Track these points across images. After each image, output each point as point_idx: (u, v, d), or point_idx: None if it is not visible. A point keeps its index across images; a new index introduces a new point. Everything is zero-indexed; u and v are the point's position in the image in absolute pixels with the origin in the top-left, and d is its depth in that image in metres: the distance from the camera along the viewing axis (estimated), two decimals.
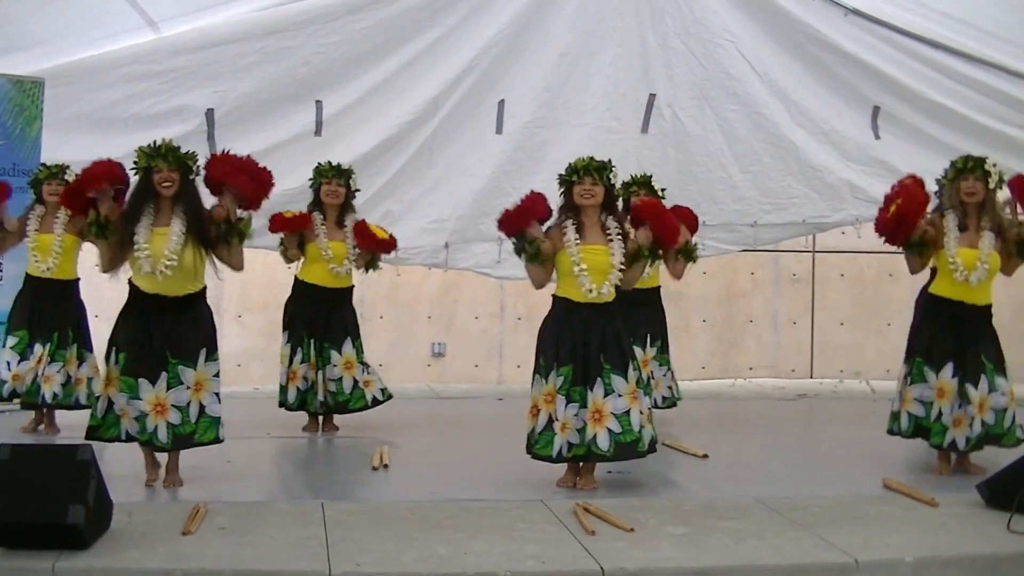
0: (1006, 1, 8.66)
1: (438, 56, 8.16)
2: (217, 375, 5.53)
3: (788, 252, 10.35)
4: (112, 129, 7.51)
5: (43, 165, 6.99)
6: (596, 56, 8.44)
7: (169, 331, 5.37)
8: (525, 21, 8.26)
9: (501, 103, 8.35)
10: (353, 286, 7.30)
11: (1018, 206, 5.97)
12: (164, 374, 5.34)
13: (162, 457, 5.53)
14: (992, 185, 5.95)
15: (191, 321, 5.45)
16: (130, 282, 5.45)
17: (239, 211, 5.49)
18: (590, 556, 4.35)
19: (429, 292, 10.05)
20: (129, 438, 5.44)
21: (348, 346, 7.11)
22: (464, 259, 8.57)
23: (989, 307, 6.05)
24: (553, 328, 5.58)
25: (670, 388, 7.59)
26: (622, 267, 5.54)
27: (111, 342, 5.46)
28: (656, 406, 7.31)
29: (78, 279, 6.96)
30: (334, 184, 7.07)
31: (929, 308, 6.16)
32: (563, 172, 5.70)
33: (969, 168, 5.97)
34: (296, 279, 7.21)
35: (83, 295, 7.00)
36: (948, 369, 5.89)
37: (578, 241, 5.51)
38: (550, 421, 5.49)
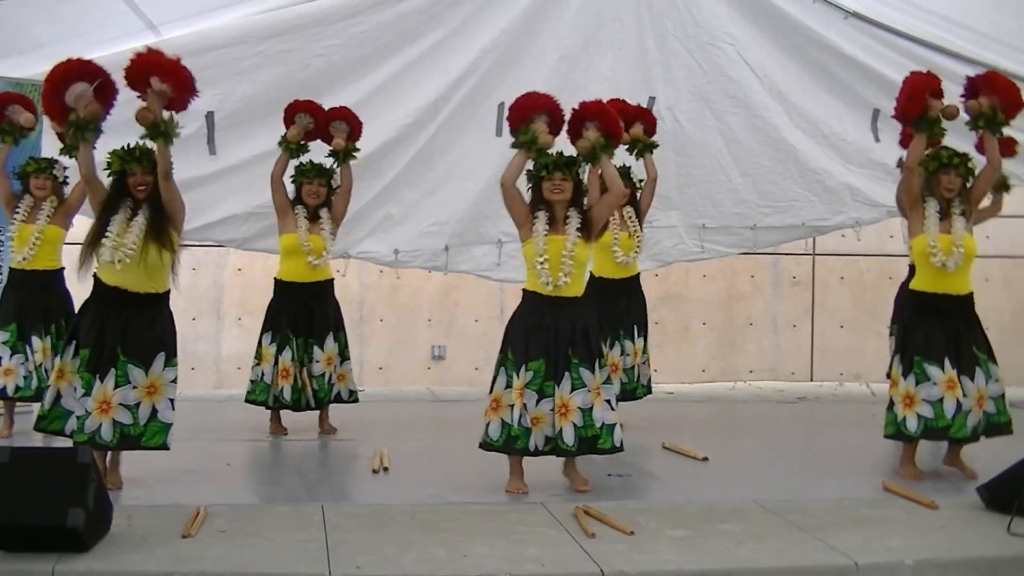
0: (1005, 4, 8.66)
1: (438, 59, 8.16)
2: (175, 381, 5.48)
3: (788, 255, 10.35)
4: (112, 132, 7.45)
5: (32, 158, 6.98)
6: (596, 59, 8.44)
7: (124, 327, 5.36)
8: (525, 24, 8.26)
9: (501, 106, 8.33)
10: (332, 279, 7.30)
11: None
12: (113, 371, 5.32)
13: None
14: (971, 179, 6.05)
15: (148, 320, 5.43)
16: (94, 275, 5.46)
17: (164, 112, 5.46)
18: (590, 559, 4.35)
19: (429, 295, 10.05)
20: (72, 435, 5.37)
21: (331, 341, 7.14)
22: (464, 262, 8.57)
23: (971, 296, 6.06)
24: (523, 322, 5.59)
25: (649, 378, 7.60)
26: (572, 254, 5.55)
27: (70, 335, 5.46)
28: (636, 396, 7.38)
29: (62, 268, 6.94)
30: (315, 184, 7.12)
31: (914, 305, 6.14)
32: (531, 169, 5.70)
33: (954, 164, 6.00)
34: (276, 280, 7.23)
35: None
36: (947, 363, 5.87)
37: (546, 232, 5.54)
38: (521, 415, 5.47)
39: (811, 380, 10.54)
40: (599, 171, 5.68)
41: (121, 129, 7.45)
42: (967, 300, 6.04)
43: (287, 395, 7.02)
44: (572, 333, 5.52)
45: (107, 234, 5.34)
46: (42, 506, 4.19)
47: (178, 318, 5.57)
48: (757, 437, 7.64)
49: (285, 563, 4.23)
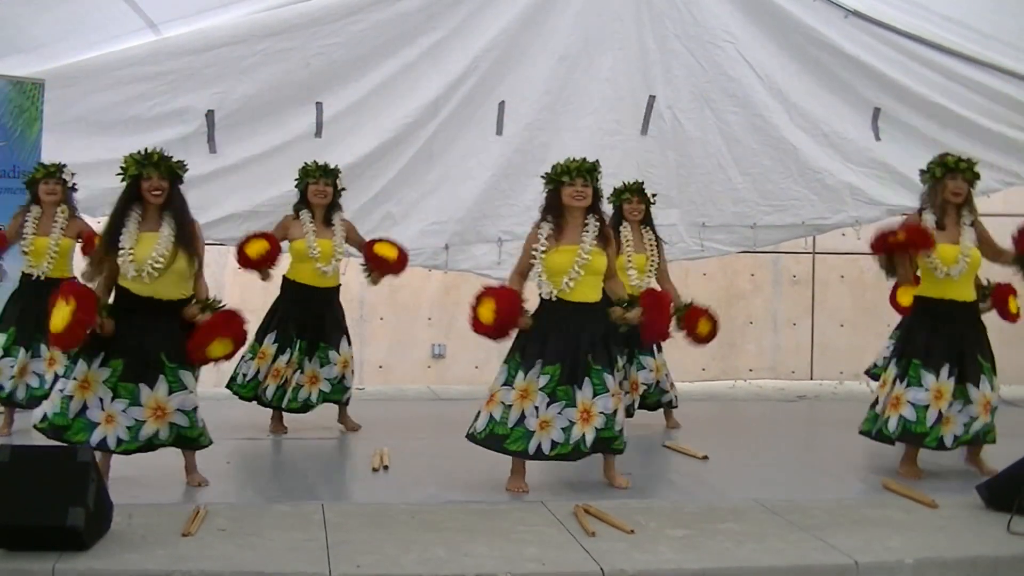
0: (1005, 4, 8.67)
1: (438, 58, 8.16)
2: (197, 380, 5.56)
3: (788, 254, 10.35)
4: (112, 131, 7.52)
5: (40, 164, 6.96)
6: (596, 58, 8.44)
7: (164, 335, 5.35)
8: (525, 23, 8.27)
9: (501, 105, 8.35)
10: (340, 284, 7.26)
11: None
12: (162, 377, 5.33)
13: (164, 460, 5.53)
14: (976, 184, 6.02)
15: (180, 325, 5.43)
16: (118, 286, 5.41)
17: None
18: (590, 558, 4.35)
19: (429, 294, 10.04)
20: (100, 446, 5.30)
21: (345, 345, 7.13)
22: (464, 261, 8.57)
23: (976, 303, 6.06)
24: (538, 327, 5.59)
25: (671, 386, 7.60)
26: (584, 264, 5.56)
27: (99, 346, 5.36)
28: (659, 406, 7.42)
29: (74, 277, 6.92)
30: (321, 184, 7.04)
31: (918, 310, 6.14)
32: (550, 172, 5.69)
33: (960, 169, 5.98)
34: (285, 279, 7.18)
35: None
36: (945, 370, 5.88)
37: (545, 247, 5.58)
38: (523, 417, 5.48)
39: (811, 379, 10.54)
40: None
41: (132, 127, 7.53)
42: (972, 308, 6.03)
43: (269, 394, 7.01)
44: (592, 340, 5.53)
45: (121, 245, 5.31)
46: (42, 505, 4.19)
47: None
48: (757, 436, 7.64)
49: (285, 562, 4.23)
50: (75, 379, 5.33)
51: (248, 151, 7.82)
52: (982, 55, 8.82)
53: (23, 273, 6.92)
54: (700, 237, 8.53)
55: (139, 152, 5.41)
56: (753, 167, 8.81)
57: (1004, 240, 6.13)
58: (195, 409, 5.44)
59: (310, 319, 7.04)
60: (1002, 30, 8.66)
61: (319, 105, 7.97)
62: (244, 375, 7.08)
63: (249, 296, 9.45)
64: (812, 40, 8.66)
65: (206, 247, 5.71)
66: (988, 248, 6.04)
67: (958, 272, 5.89)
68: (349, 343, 7.21)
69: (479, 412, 5.67)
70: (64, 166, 6.89)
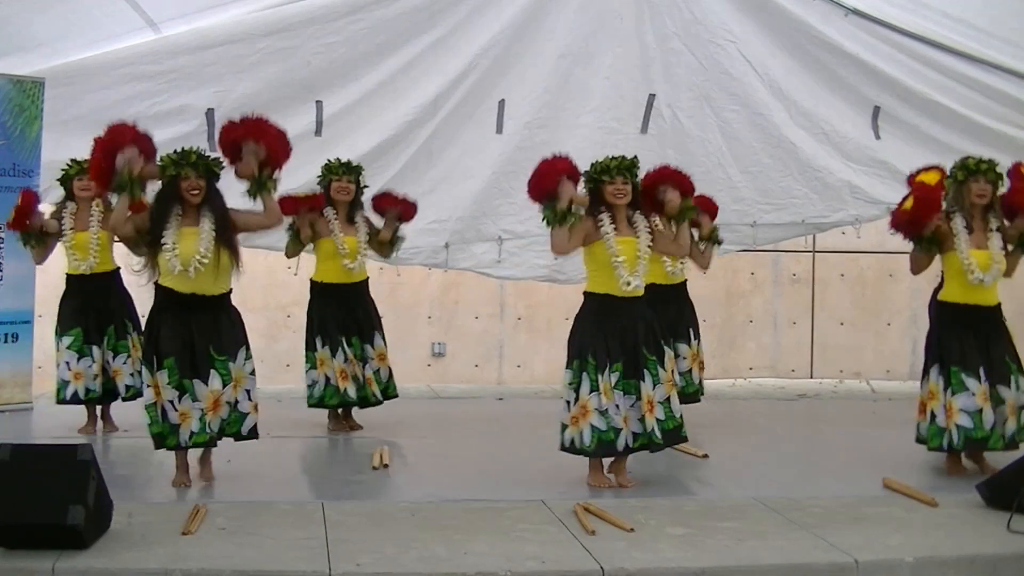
0: (1005, 1, 8.66)
1: (438, 56, 8.16)
2: (252, 373, 5.65)
3: (788, 252, 10.34)
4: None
5: (73, 160, 6.89)
6: (596, 57, 8.44)
7: (210, 329, 5.43)
8: (525, 22, 8.26)
9: (501, 103, 8.35)
10: (368, 278, 7.27)
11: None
12: (213, 371, 5.38)
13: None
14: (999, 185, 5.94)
15: (228, 318, 5.55)
16: (159, 285, 5.46)
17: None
18: (590, 556, 4.36)
19: (429, 292, 10.04)
20: (194, 442, 5.42)
21: (379, 339, 7.19)
22: (464, 259, 8.58)
23: (999, 306, 6.02)
24: (596, 325, 5.61)
25: (701, 380, 7.67)
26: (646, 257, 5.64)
27: (152, 350, 5.42)
28: (695, 399, 7.46)
29: (119, 268, 6.93)
30: (344, 180, 7.06)
31: (945, 316, 6.04)
32: (590, 170, 5.69)
33: (982, 171, 5.94)
34: (313, 282, 7.18)
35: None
36: (981, 372, 5.82)
37: (615, 234, 5.58)
38: (614, 417, 5.51)
39: (811, 377, 10.54)
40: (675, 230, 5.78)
41: (145, 124, 7.52)
42: (997, 311, 5.99)
43: (352, 394, 7.02)
44: (646, 331, 5.62)
45: (164, 243, 5.36)
46: (42, 504, 4.19)
47: None
48: (757, 434, 7.63)
49: (285, 561, 4.23)
50: (148, 387, 5.44)
51: None
52: (982, 53, 8.82)
53: (68, 274, 6.93)
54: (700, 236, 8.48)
55: (176, 151, 5.45)
56: (753, 165, 8.81)
57: None
58: (236, 403, 5.51)
59: (348, 317, 7.08)
60: (1002, 27, 8.66)
61: (319, 104, 7.97)
62: (312, 385, 7.11)
63: (249, 293, 9.46)
64: (812, 38, 8.66)
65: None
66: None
67: (991, 279, 5.84)
68: (383, 338, 7.24)
69: (574, 428, 5.60)
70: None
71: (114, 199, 5.65)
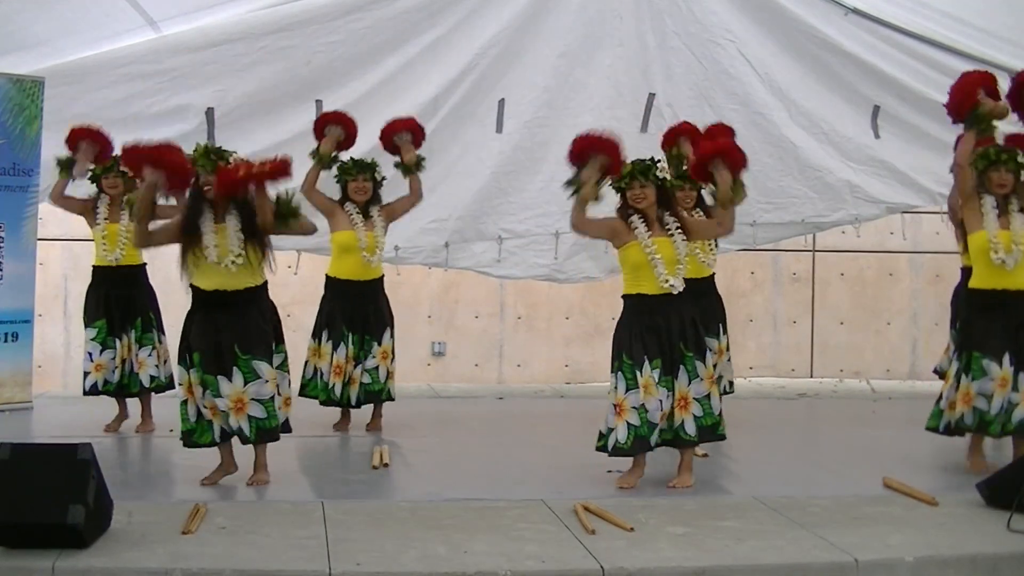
0: (1006, 1, 8.66)
1: (438, 55, 8.16)
2: (282, 365, 5.65)
3: (788, 251, 10.35)
4: (112, 129, 7.49)
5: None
6: (596, 56, 8.44)
7: (237, 325, 5.41)
8: (525, 21, 8.26)
9: (501, 102, 8.35)
10: (383, 275, 7.24)
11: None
12: (236, 369, 5.36)
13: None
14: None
15: (257, 312, 5.52)
16: (191, 285, 5.47)
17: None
18: (590, 555, 4.36)
19: (429, 291, 10.05)
20: (224, 436, 5.45)
21: (387, 337, 7.14)
22: (464, 258, 8.57)
23: None
24: (631, 326, 5.60)
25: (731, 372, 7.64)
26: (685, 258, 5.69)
27: (183, 347, 5.45)
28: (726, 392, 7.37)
29: (145, 263, 6.95)
30: (360, 180, 7.06)
31: (973, 302, 6.05)
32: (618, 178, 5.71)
33: (1002, 160, 5.95)
34: (329, 277, 7.16)
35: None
36: (1006, 359, 5.80)
37: (649, 234, 5.58)
38: (653, 413, 5.52)
39: (811, 377, 10.54)
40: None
41: (132, 124, 7.53)
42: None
43: (337, 392, 7.02)
44: (682, 327, 5.61)
45: (203, 239, 5.38)
46: (42, 503, 4.19)
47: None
48: (757, 434, 7.62)
49: (285, 560, 4.23)
50: (181, 384, 5.46)
51: (248, 149, 7.73)
52: (982, 52, 8.81)
53: (95, 266, 6.95)
54: None
55: (205, 145, 5.51)
56: (753, 165, 8.71)
57: None
58: (272, 399, 5.45)
59: (358, 313, 7.06)
60: (1002, 26, 8.66)
61: (319, 103, 7.96)
62: (310, 376, 7.12)
63: None
64: (812, 38, 8.66)
65: None
66: None
67: (1013, 261, 5.81)
68: (392, 335, 7.19)
69: (610, 426, 5.58)
70: (118, 158, 6.88)
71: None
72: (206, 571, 4.10)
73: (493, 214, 8.47)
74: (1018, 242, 5.83)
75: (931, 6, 8.61)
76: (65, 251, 9.30)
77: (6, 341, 7.66)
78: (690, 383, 5.58)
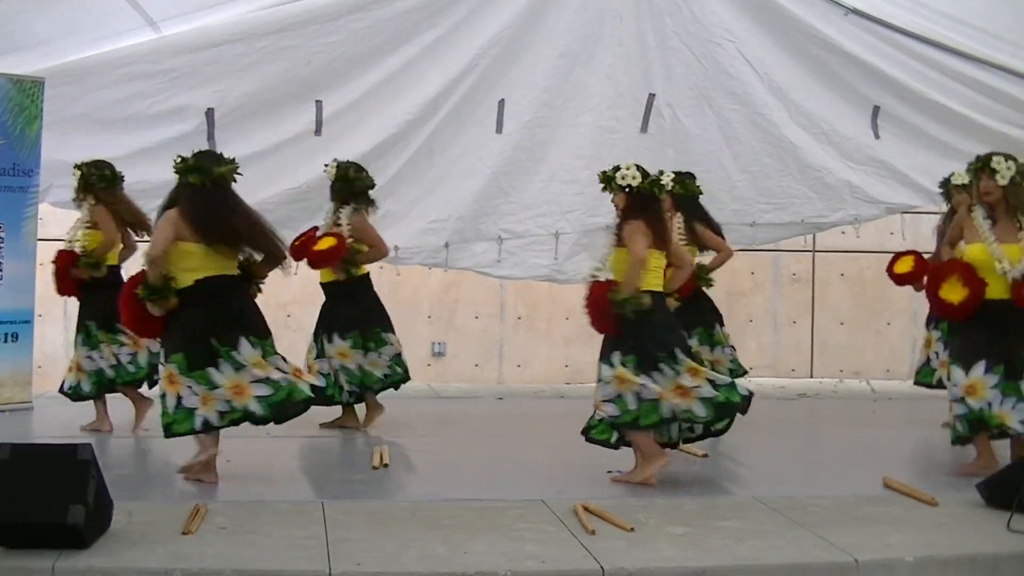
0: (1005, 1, 8.67)
1: (438, 56, 8.16)
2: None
3: (788, 252, 10.35)
4: (112, 128, 7.53)
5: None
6: (596, 56, 8.44)
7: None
8: (525, 21, 8.27)
9: (501, 103, 8.35)
10: (353, 278, 7.18)
11: None
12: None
13: None
14: (1004, 180, 5.78)
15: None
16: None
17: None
18: (590, 556, 4.35)
19: (429, 292, 10.05)
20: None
21: (338, 339, 7.12)
22: (464, 259, 8.57)
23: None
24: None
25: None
26: None
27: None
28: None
29: (118, 267, 6.93)
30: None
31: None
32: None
33: (980, 168, 5.93)
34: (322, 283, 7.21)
35: None
36: (980, 367, 5.75)
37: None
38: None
39: (811, 377, 10.55)
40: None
41: (132, 124, 7.54)
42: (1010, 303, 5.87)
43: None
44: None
45: None
46: (42, 503, 4.18)
47: None
48: (757, 434, 7.62)
49: (285, 560, 4.23)
50: (160, 378, 5.47)
51: (248, 149, 7.78)
52: (981, 52, 8.82)
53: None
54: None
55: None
56: (752, 165, 8.82)
57: None
58: (267, 380, 5.41)
59: (327, 314, 7.13)
60: (1002, 27, 8.67)
61: (319, 103, 7.97)
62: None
63: None
64: (812, 38, 8.66)
65: None
66: None
67: (1019, 274, 5.71)
68: (343, 339, 7.15)
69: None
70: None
71: None
72: (206, 571, 4.09)
73: (493, 214, 8.48)
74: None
75: (930, 6, 8.62)
76: None
77: (6, 341, 7.66)
78: (678, 376, 5.59)
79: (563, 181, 8.40)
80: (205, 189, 5.42)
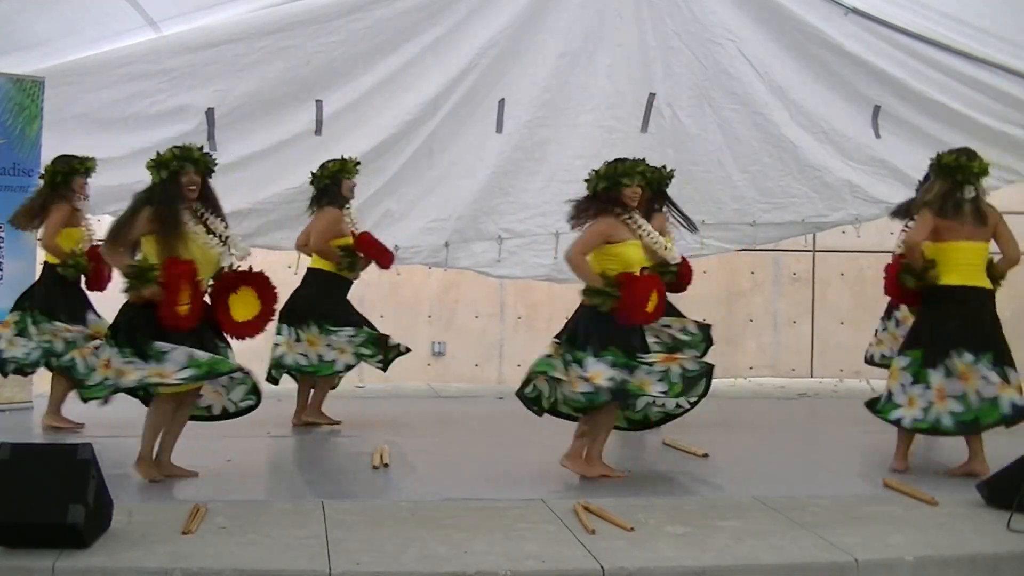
0: (1006, 1, 8.67)
1: (438, 55, 8.17)
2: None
3: (788, 251, 10.34)
4: (112, 128, 7.53)
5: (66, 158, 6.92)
6: (596, 56, 8.45)
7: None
8: (525, 21, 8.27)
9: (501, 102, 8.35)
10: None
11: None
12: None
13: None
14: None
15: None
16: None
17: None
18: (590, 555, 4.35)
19: (429, 291, 10.04)
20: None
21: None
22: (464, 258, 8.58)
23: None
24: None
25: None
26: None
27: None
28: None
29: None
30: (354, 179, 7.12)
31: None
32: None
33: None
34: (321, 271, 7.21)
35: None
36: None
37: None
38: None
39: (811, 376, 10.54)
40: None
41: (132, 124, 7.54)
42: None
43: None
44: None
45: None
46: (42, 502, 4.19)
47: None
48: (757, 434, 7.64)
49: (285, 560, 4.23)
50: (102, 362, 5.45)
51: (248, 148, 7.82)
52: (982, 52, 8.83)
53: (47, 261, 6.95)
54: (700, 235, 8.50)
55: (177, 147, 5.51)
56: (753, 164, 8.82)
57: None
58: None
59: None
60: (1002, 27, 8.67)
61: (319, 103, 7.98)
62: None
63: None
64: (812, 37, 8.67)
65: None
66: None
67: None
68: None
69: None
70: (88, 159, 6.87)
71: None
72: (206, 571, 4.10)
73: (493, 214, 8.48)
74: None
75: (931, 6, 8.62)
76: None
77: None
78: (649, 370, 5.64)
79: (563, 181, 8.39)
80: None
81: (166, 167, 5.42)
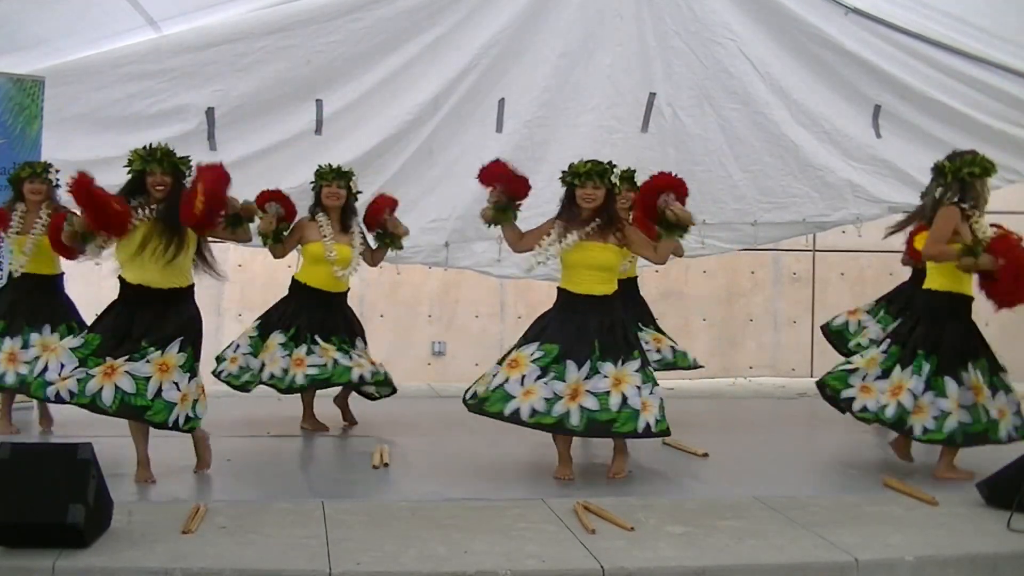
0: (1007, 1, 8.66)
1: (438, 55, 8.16)
2: (186, 368, 5.45)
3: (788, 251, 10.35)
4: (112, 128, 7.52)
5: (26, 163, 6.88)
6: (596, 55, 8.44)
7: (151, 321, 5.44)
8: (525, 20, 8.26)
9: (501, 102, 8.35)
10: (348, 290, 7.24)
11: None
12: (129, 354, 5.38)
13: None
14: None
15: (174, 313, 5.52)
16: (119, 276, 5.55)
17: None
18: (590, 555, 4.36)
19: (429, 291, 10.05)
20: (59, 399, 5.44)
21: (361, 344, 7.12)
22: (464, 258, 8.57)
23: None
24: (551, 312, 5.85)
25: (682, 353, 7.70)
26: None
27: (89, 327, 5.59)
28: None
29: (61, 274, 6.88)
30: (334, 186, 7.02)
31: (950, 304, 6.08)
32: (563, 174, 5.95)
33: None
34: (295, 280, 7.14)
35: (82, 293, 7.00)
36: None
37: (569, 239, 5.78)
38: (506, 382, 5.69)
39: (811, 376, 10.51)
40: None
41: (132, 124, 7.54)
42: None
43: (299, 380, 6.93)
44: (600, 327, 5.70)
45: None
46: (42, 502, 4.19)
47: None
48: (757, 433, 7.64)
49: (285, 559, 4.24)
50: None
51: (248, 148, 7.81)
52: (983, 52, 8.82)
53: (9, 275, 6.89)
54: (700, 235, 8.47)
55: (143, 147, 5.56)
56: (754, 164, 8.81)
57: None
58: (148, 379, 5.35)
59: (320, 321, 7.00)
60: (1003, 26, 8.66)
61: (319, 102, 7.96)
62: (241, 368, 7.03)
63: (249, 292, 9.51)
64: (813, 37, 8.65)
65: (210, 245, 5.77)
66: None
67: None
68: (365, 344, 7.19)
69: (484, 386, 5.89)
70: (50, 165, 6.82)
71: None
72: (206, 571, 4.10)
73: None
74: None
75: (932, 5, 8.61)
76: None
77: None
78: (588, 378, 5.60)
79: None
80: None
81: (131, 167, 5.54)
